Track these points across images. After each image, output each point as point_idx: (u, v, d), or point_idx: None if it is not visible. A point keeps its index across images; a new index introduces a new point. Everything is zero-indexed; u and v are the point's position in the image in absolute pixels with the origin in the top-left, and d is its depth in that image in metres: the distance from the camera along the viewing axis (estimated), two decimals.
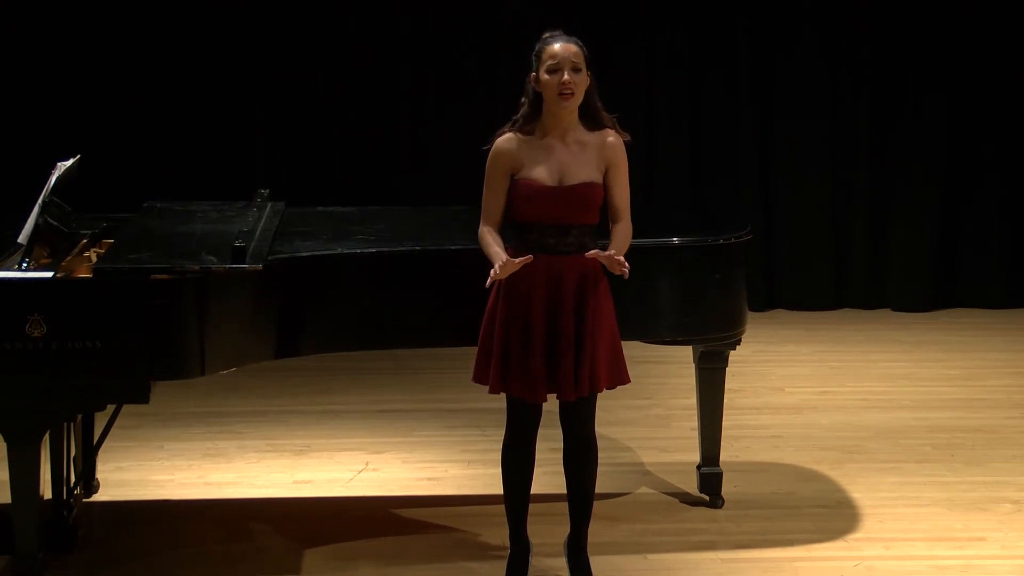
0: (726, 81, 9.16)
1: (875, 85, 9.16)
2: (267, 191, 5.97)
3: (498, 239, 4.79)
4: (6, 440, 4.88)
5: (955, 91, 9.14)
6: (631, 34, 9.11)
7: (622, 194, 4.83)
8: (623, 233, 4.81)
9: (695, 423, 5.82)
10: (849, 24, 9.12)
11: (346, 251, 5.19)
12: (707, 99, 9.18)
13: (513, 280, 4.75)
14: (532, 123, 4.79)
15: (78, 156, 5.57)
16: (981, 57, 9.13)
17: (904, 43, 9.11)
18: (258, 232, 5.29)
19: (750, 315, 5.77)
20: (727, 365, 5.66)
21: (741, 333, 5.61)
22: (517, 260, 4.65)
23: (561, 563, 5.06)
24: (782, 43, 9.13)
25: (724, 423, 5.76)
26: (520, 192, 4.75)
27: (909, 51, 9.12)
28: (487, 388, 4.84)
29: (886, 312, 9.20)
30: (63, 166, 5.38)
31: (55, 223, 5.29)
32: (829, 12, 9.11)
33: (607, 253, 4.67)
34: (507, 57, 8.63)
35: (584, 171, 4.75)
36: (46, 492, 5.12)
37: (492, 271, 4.64)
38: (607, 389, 4.85)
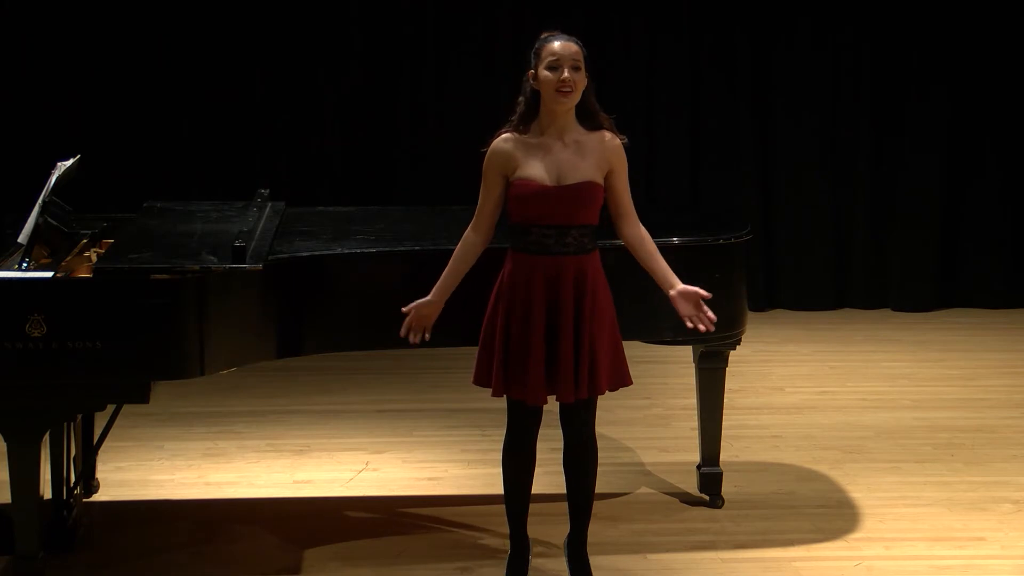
0: (726, 81, 9.16)
1: (875, 86, 9.17)
2: (267, 191, 5.98)
3: (462, 263, 4.80)
4: (6, 440, 4.88)
5: (955, 92, 9.15)
6: (631, 34, 9.11)
7: (627, 196, 4.82)
8: (652, 242, 4.81)
9: (695, 423, 5.82)
10: (850, 26, 9.13)
11: (346, 251, 5.19)
12: (707, 99, 9.19)
13: (512, 282, 4.76)
14: (529, 122, 4.78)
15: (78, 156, 5.57)
16: (982, 60, 9.14)
17: (904, 44, 9.12)
18: (258, 232, 5.29)
19: (750, 315, 5.78)
20: (727, 365, 5.67)
21: (741, 333, 5.62)
22: (415, 314, 4.78)
23: (561, 563, 5.06)
24: (782, 43, 9.14)
25: (724, 423, 5.76)
26: (517, 192, 4.73)
27: (909, 52, 9.13)
28: (489, 391, 4.84)
29: (886, 312, 9.21)
30: (63, 166, 5.38)
31: (55, 223, 5.29)
32: (829, 13, 9.11)
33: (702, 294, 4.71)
34: (507, 57, 8.63)
35: (583, 170, 4.73)
36: (46, 492, 5.12)
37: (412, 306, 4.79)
38: (609, 391, 4.85)
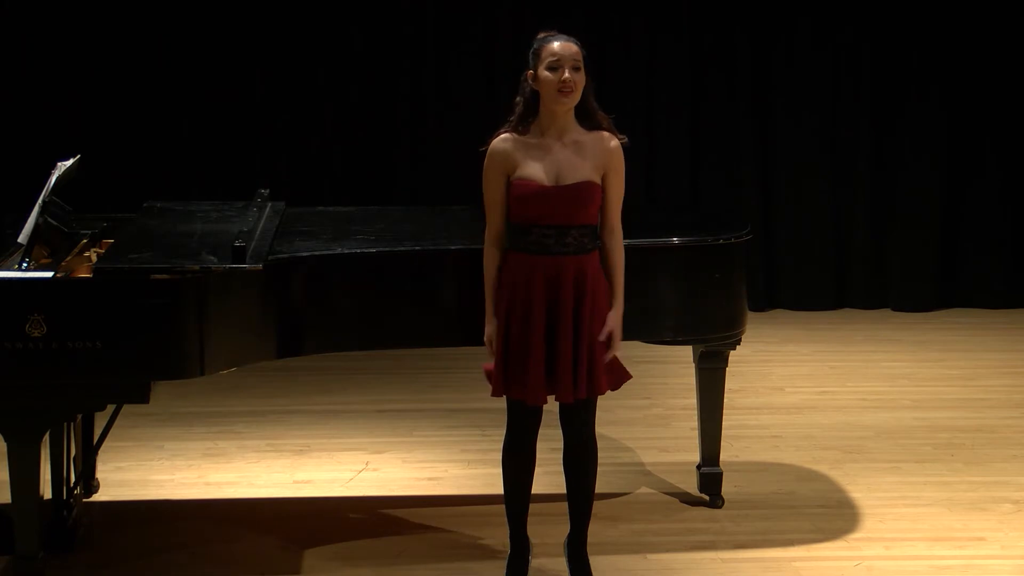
0: (726, 81, 9.16)
1: (875, 86, 9.17)
2: (267, 191, 5.97)
3: (495, 270, 4.80)
4: (6, 440, 4.88)
5: (955, 93, 9.15)
6: (631, 34, 9.11)
7: (617, 202, 4.81)
8: (620, 258, 4.81)
9: (695, 423, 5.82)
10: (850, 26, 9.13)
11: (346, 251, 5.19)
12: (707, 99, 9.19)
13: (512, 282, 4.76)
14: (528, 123, 4.78)
15: (78, 156, 5.57)
16: (981, 60, 9.13)
17: (904, 44, 9.12)
18: (258, 232, 5.29)
19: (750, 315, 5.77)
20: (727, 365, 5.66)
21: (741, 333, 5.61)
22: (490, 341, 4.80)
23: (561, 563, 5.06)
24: (782, 43, 9.14)
25: (724, 423, 5.76)
26: (517, 192, 4.73)
27: (909, 52, 9.12)
28: (488, 390, 4.84)
29: (886, 312, 9.21)
30: (63, 166, 5.38)
31: (55, 223, 5.29)
32: (829, 13, 9.11)
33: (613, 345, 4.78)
34: (507, 57, 8.63)
35: (581, 171, 4.73)
36: (46, 492, 5.12)
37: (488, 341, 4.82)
38: (611, 390, 4.85)
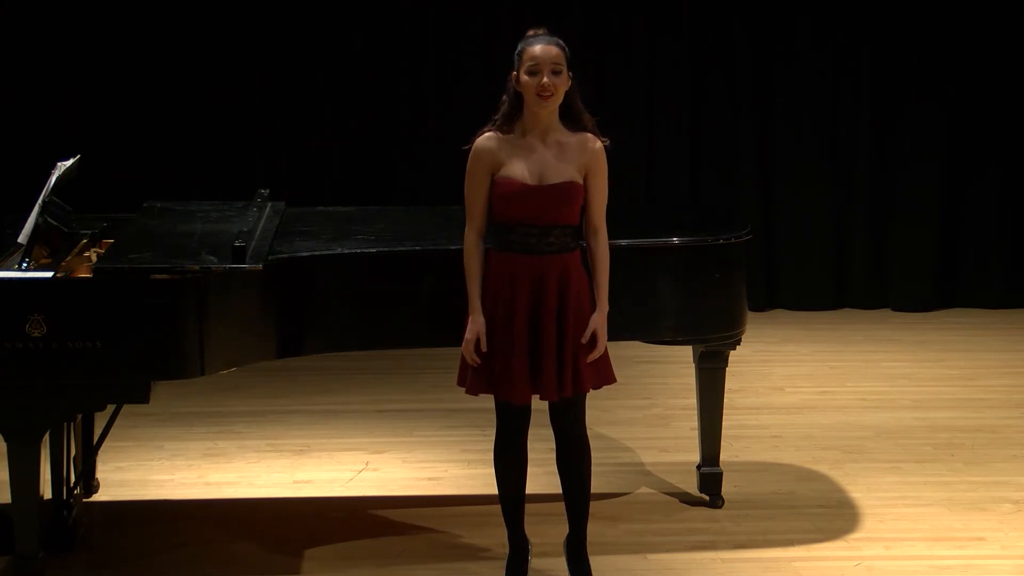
0: (726, 81, 9.16)
1: (875, 86, 9.17)
2: (267, 191, 5.98)
3: (478, 270, 4.79)
4: (6, 440, 4.88)
5: (955, 93, 9.15)
6: (631, 34, 9.10)
7: (600, 203, 4.82)
8: (603, 259, 4.81)
9: (695, 423, 5.82)
10: (850, 26, 9.13)
11: (346, 251, 5.19)
12: (707, 99, 9.19)
13: (495, 281, 4.76)
14: (512, 122, 4.79)
15: (78, 156, 5.58)
16: (982, 60, 9.13)
17: (904, 44, 9.12)
18: (258, 232, 5.29)
19: (750, 315, 5.78)
20: (727, 365, 5.67)
21: (741, 333, 5.61)
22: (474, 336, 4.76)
23: (561, 563, 5.06)
24: (782, 43, 9.13)
25: (724, 423, 5.76)
26: (500, 191, 4.75)
27: (909, 52, 9.12)
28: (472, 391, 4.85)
29: (886, 312, 9.20)
30: (63, 166, 5.38)
31: (55, 223, 5.29)
32: (829, 13, 9.11)
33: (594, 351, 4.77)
34: (507, 57, 8.60)
35: (564, 171, 4.74)
36: (46, 492, 5.12)
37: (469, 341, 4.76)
38: (592, 389, 4.85)
